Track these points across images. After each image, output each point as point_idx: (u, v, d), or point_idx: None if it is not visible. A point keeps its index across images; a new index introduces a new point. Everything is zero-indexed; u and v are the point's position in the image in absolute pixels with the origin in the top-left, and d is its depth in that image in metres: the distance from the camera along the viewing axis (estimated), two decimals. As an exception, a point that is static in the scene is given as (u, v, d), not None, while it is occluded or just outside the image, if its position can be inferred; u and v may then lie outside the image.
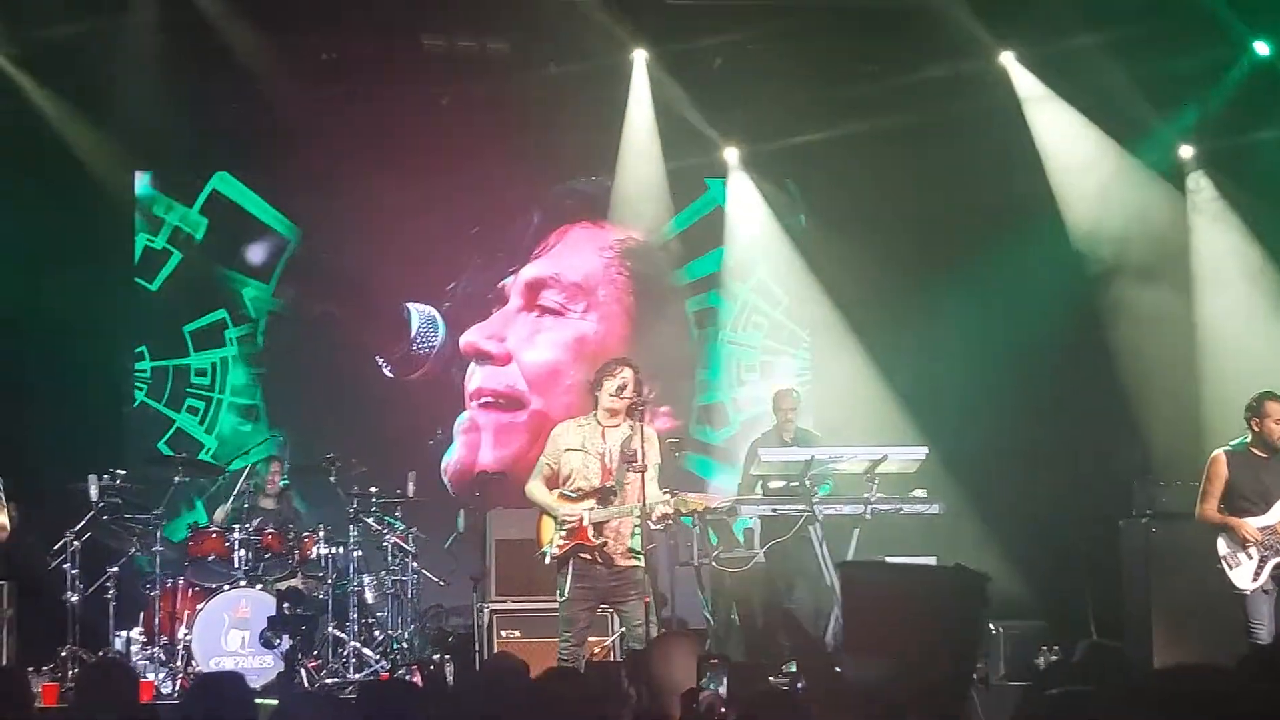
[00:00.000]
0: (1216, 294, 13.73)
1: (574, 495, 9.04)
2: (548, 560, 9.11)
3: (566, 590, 9.00)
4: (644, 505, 8.77)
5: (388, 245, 14.41)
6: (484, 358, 14.80)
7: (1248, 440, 10.04)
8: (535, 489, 9.23)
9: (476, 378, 14.84)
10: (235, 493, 12.23)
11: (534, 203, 14.97)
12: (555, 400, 14.58)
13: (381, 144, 14.02)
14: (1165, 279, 13.67)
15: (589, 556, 8.96)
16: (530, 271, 15.00)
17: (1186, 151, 14.04)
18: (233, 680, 5.31)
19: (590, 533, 8.92)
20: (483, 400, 14.77)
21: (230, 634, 11.08)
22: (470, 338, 14.82)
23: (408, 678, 10.58)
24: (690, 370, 15.14)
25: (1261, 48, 13.13)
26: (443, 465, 14.49)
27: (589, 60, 13.60)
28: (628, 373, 9.08)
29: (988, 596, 3.10)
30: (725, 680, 5.15)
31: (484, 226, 14.86)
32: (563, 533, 8.99)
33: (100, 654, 11.01)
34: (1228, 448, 10.09)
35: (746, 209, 15.07)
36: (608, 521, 8.92)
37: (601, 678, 6.22)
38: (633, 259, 15.07)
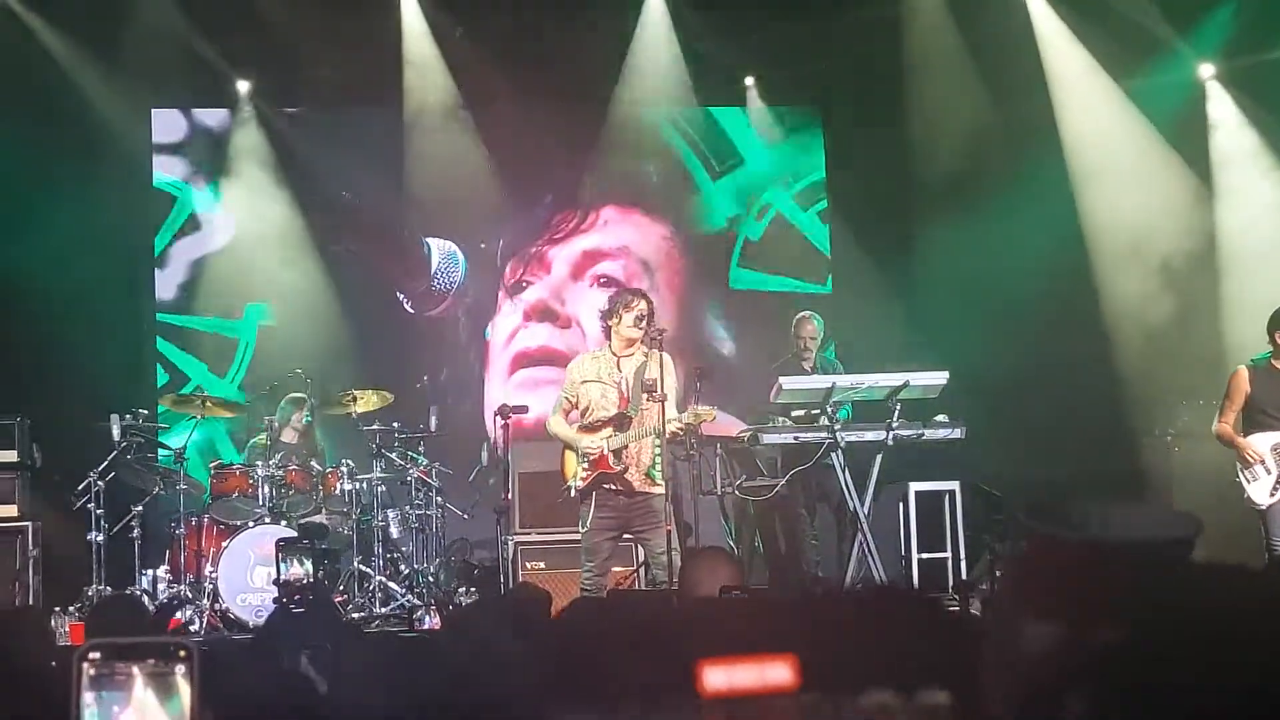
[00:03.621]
0: (1237, 211, 13.65)
1: (593, 426, 9.08)
2: (573, 494, 9.16)
3: (589, 520, 9.05)
4: (663, 426, 8.79)
5: (410, 182, 14.39)
6: (550, 316, 14.76)
7: (1270, 354, 10.04)
8: (556, 423, 9.31)
9: (536, 337, 14.79)
10: (259, 429, 12.24)
11: (581, 177, 14.91)
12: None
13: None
14: (1187, 197, 13.60)
15: (612, 486, 9.00)
16: (588, 242, 14.95)
17: (1207, 70, 13.93)
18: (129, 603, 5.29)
19: (611, 460, 8.96)
20: (540, 359, 14.73)
21: (256, 570, 11.10)
22: (537, 295, 14.79)
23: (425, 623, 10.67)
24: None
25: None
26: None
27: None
28: (644, 304, 9.12)
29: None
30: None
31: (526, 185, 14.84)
32: (585, 464, 9.04)
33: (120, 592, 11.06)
34: (1250, 362, 10.14)
35: (767, 136, 15.03)
36: (626, 447, 8.95)
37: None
38: (690, 252, 15.07)
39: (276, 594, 7.58)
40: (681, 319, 14.80)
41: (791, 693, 0.90)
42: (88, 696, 1.32)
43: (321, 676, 3.46)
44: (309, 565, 6.70)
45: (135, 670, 1.33)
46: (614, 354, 9.18)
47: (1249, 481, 9.92)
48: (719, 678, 0.91)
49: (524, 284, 14.81)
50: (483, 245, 14.76)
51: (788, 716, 0.91)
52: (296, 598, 6.58)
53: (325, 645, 3.85)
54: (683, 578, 5.60)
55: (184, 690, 1.32)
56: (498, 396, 14.19)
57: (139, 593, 11.06)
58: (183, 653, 1.34)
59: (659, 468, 9.03)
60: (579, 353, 14.48)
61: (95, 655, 1.33)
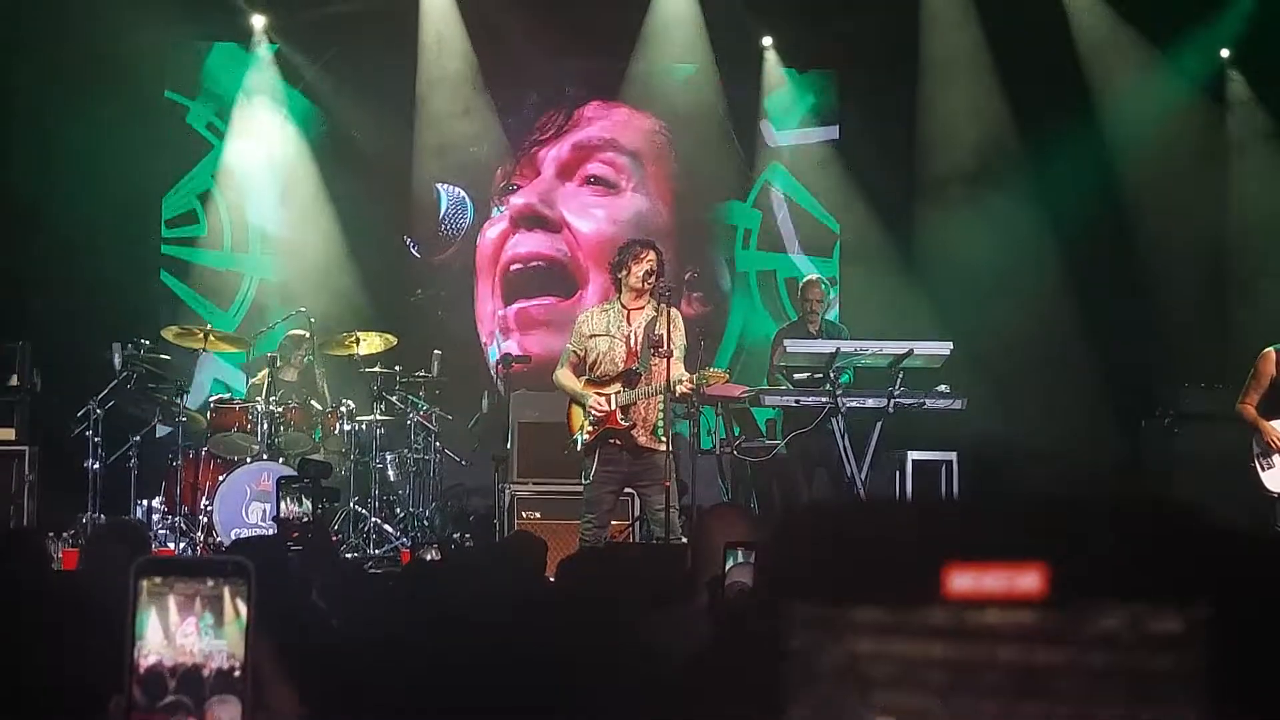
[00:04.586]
0: (1251, 192, 13.63)
1: (601, 381, 9.06)
2: (579, 448, 9.15)
3: (592, 473, 9.04)
4: (668, 384, 8.77)
5: (417, 123, 14.36)
6: (538, 221, 14.68)
7: None
8: (563, 376, 9.27)
9: (525, 243, 14.70)
10: (259, 366, 12.22)
11: (567, 75, 14.78)
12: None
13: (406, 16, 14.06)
14: (1199, 180, 13.58)
15: (617, 441, 8.98)
16: (576, 138, 14.83)
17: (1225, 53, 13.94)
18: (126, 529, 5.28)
19: (619, 416, 8.94)
20: (532, 264, 14.68)
21: (252, 506, 11.10)
22: (524, 199, 14.70)
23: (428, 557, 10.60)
24: (727, 260, 15.03)
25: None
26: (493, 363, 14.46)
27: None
28: (653, 256, 9.07)
29: None
30: (750, 566, 5.12)
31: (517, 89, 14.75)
32: (591, 419, 9.02)
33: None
34: (1278, 345, 9.99)
35: (777, 97, 14.96)
36: (634, 404, 8.94)
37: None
38: (682, 145, 14.87)
39: (275, 531, 7.57)
40: (675, 221, 14.74)
41: (1038, 602, 0.88)
42: (145, 614, 1.30)
43: (333, 610, 3.46)
44: (308, 504, 6.69)
45: (194, 588, 1.31)
46: (624, 306, 9.14)
47: (1264, 469, 9.79)
48: (965, 581, 0.89)
49: (513, 186, 14.73)
50: (472, 150, 14.68)
51: (1026, 627, 0.89)
52: (295, 535, 6.56)
53: (335, 580, 3.84)
54: (697, 531, 5.59)
55: (241, 610, 1.31)
56: (487, 304, 14.23)
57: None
58: (241, 572, 1.32)
59: (663, 426, 9.02)
60: (570, 258, 14.56)
61: (154, 572, 1.32)
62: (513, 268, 14.68)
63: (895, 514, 0.93)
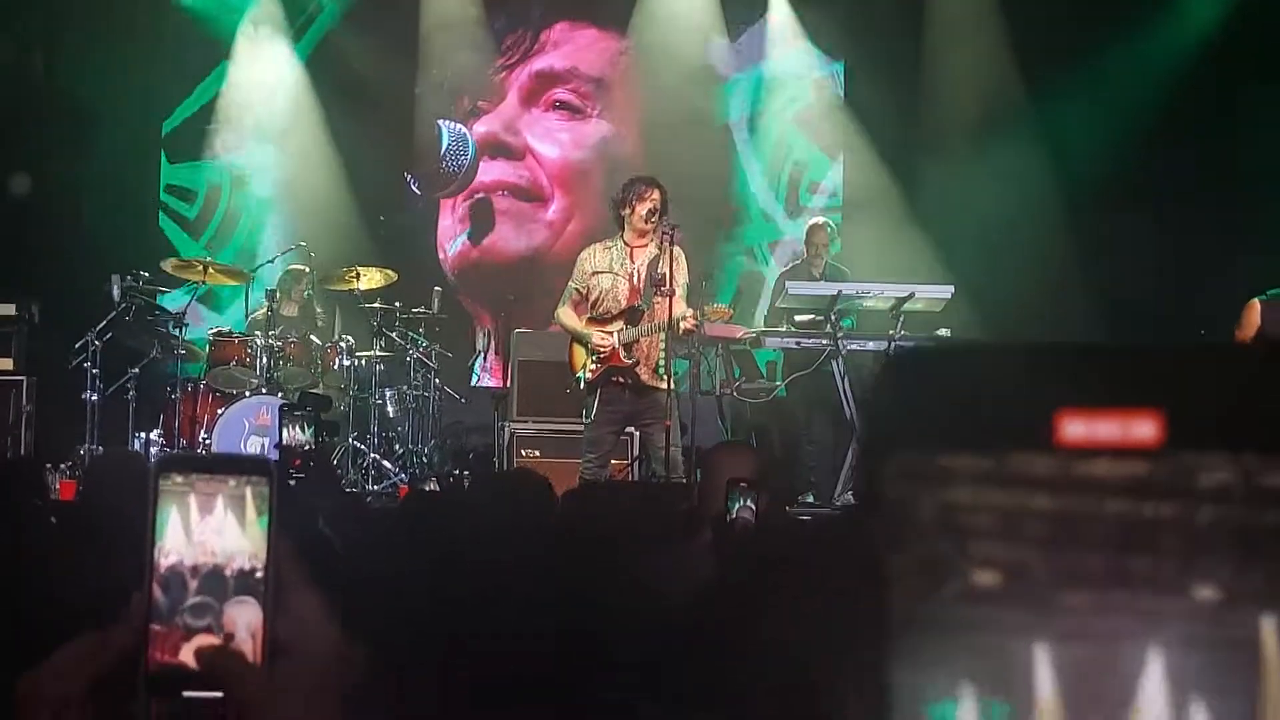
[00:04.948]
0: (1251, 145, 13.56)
1: (603, 319, 9.02)
2: (582, 386, 9.12)
3: (593, 412, 9.02)
4: (670, 321, 8.74)
5: (419, 58, 14.31)
6: (501, 148, 14.61)
7: None
8: (565, 315, 9.24)
9: (492, 171, 14.64)
10: (259, 299, 12.18)
11: None
12: (581, 201, 14.47)
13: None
14: (1208, 136, 13.52)
15: (620, 379, 8.96)
16: (540, 64, 14.73)
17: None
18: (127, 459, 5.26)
19: (622, 354, 8.91)
20: (501, 192, 14.64)
21: (250, 440, 11.08)
22: (487, 127, 14.62)
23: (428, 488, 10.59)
24: (718, 190, 14.87)
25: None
26: (446, 257, 14.42)
27: None
28: (656, 194, 9.01)
29: None
30: (753, 504, 5.10)
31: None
32: (595, 358, 8.99)
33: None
34: (1264, 296, 10.01)
35: (785, 41, 14.83)
36: (637, 341, 8.91)
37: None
38: (657, 69, 14.68)
39: (277, 457, 7.52)
40: (643, 141, 14.59)
41: (1153, 450, 0.84)
42: (165, 513, 1.26)
43: (337, 536, 3.43)
44: (310, 433, 6.64)
45: (215, 487, 1.27)
46: (626, 244, 9.10)
47: None
48: (1078, 428, 0.85)
49: (478, 110, 14.67)
50: (434, 71, 14.60)
51: (1136, 478, 0.85)
52: (297, 463, 6.53)
53: (341, 506, 3.81)
54: (704, 468, 5.57)
55: (264, 511, 1.27)
56: (448, 230, 14.23)
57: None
58: (263, 470, 1.28)
59: (664, 364, 8.99)
60: (533, 183, 14.52)
61: (175, 468, 1.28)
62: (476, 196, 14.64)
63: (1004, 358, 0.89)
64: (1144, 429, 0.82)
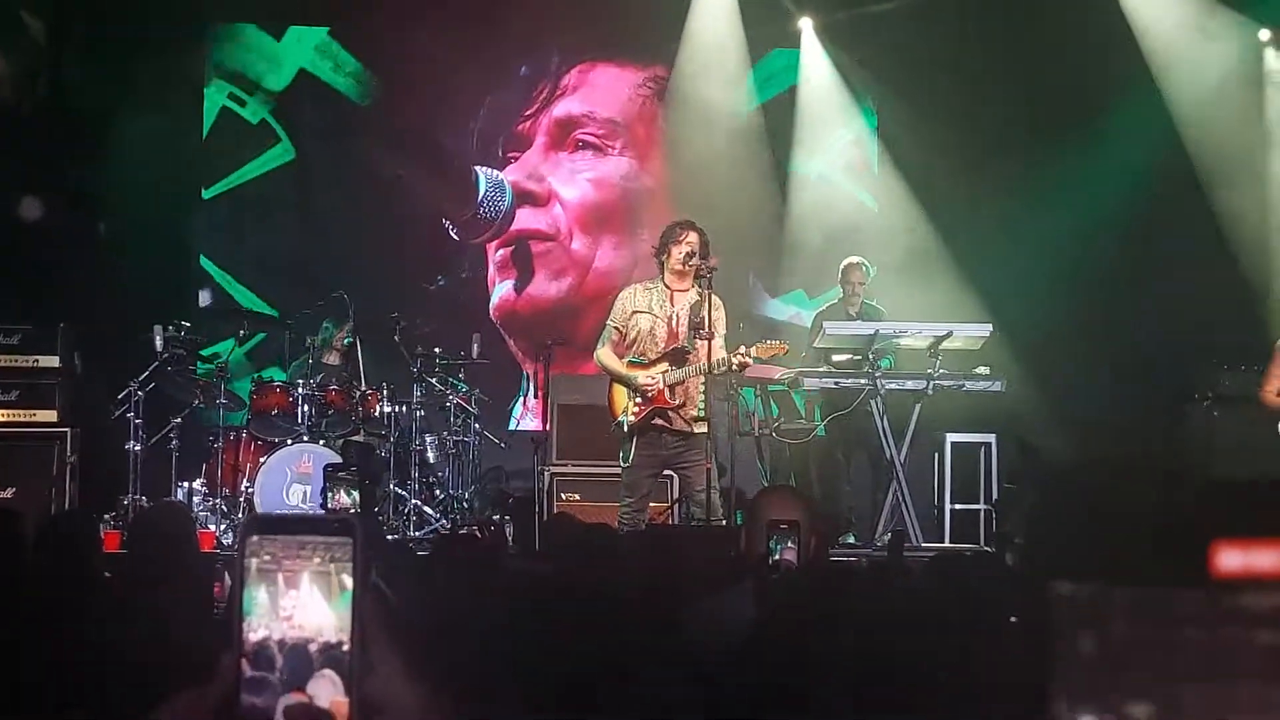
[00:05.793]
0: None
1: (642, 362, 9.03)
2: (625, 429, 9.09)
3: (631, 456, 9.03)
4: (709, 363, 8.78)
5: (456, 105, 14.40)
6: (525, 196, 14.69)
7: None
8: (606, 356, 9.19)
9: (518, 219, 14.69)
10: (302, 349, 12.27)
11: (554, 40, 14.77)
12: (602, 241, 14.57)
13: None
14: (1243, 163, 13.50)
15: (663, 421, 8.96)
16: (560, 109, 14.82)
17: (1265, 35, 13.89)
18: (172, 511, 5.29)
19: (667, 395, 8.93)
20: (533, 239, 14.72)
21: (292, 488, 11.14)
22: (510, 177, 14.71)
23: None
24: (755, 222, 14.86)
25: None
26: (491, 305, 14.51)
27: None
28: (694, 237, 9.04)
29: None
30: (795, 545, 5.12)
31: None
32: (638, 400, 8.99)
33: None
34: None
35: (818, 81, 14.86)
36: (682, 382, 8.93)
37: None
38: (674, 101, 14.76)
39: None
40: (667, 168, 14.67)
41: None
42: (253, 589, 1.31)
43: (392, 590, 3.47)
44: (356, 496, 6.67)
45: (301, 565, 1.32)
46: (667, 286, 9.13)
47: None
48: (1234, 559, 0.89)
49: (508, 160, 14.75)
50: (472, 124, 14.69)
51: None
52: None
53: (396, 563, 3.86)
54: (749, 513, 5.60)
55: (347, 583, 1.32)
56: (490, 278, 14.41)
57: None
58: (348, 530, 1.33)
59: (705, 407, 9.03)
60: (554, 229, 14.59)
61: (260, 530, 1.33)
62: (511, 243, 14.74)
63: (1163, 490, 0.93)
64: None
